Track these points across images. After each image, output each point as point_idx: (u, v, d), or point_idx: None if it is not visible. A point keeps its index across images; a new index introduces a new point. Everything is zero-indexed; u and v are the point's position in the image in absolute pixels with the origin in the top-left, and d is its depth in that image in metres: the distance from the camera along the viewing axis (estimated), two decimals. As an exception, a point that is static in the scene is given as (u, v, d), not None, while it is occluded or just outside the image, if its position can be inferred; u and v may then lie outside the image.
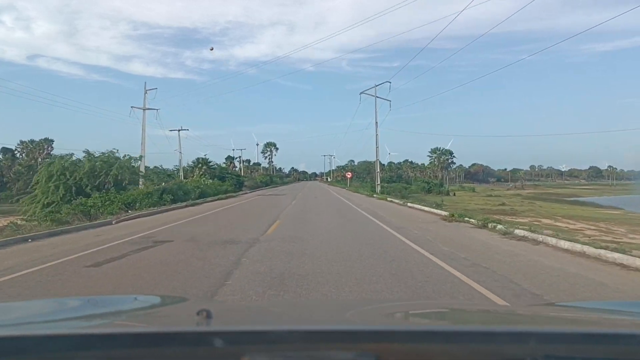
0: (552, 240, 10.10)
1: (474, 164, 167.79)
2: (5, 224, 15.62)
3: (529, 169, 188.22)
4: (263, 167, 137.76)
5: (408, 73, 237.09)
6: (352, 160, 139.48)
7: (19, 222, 17.04)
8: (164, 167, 52.14)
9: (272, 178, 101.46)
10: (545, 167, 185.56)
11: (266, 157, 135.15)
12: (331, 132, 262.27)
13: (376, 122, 35.41)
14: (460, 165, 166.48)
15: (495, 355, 1.13)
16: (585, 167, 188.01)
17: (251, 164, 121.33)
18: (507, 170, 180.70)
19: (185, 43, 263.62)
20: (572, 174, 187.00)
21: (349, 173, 70.99)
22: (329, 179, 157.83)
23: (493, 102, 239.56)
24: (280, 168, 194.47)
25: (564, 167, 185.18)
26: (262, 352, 1.08)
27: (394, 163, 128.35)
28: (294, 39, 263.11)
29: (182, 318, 1.73)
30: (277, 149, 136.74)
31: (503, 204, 30.53)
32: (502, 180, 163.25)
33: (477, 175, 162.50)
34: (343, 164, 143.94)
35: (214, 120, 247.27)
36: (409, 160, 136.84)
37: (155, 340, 1.14)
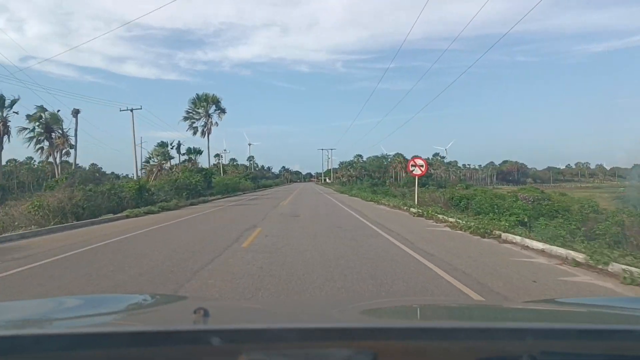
0: None
1: (505, 161, 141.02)
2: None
3: (564, 167, 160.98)
4: (236, 164, 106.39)
5: (404, 74, 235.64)
6: (360, 155, 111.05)
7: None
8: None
9: (211, 176, 43.88)
10: (593, 165, 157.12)
11: (195, 128, 54.85)
12: (328, 132, 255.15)
13: None
14: (491, 162, 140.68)
15: (493, 352, 1.12)
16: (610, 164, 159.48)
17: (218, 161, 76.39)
18: (540, 169, 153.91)
19: (178, 44, 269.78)
20: (616, 173, 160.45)
21: (421, 161, 22.13)
22: (328, 180, 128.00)
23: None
24: (269, 167, 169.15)
25: (595, 165, 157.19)
26: (259, 350, 1.07)
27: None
28: (288, 40, 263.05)
29: (179, 317, 1.71)
30: (223, 111, 55.61)
31: None
32: (539, 180, 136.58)
33: (511, 174, 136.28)
34: (347, 159, 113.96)
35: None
36: (439, 154, 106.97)
37: (153, 339, 1.13)
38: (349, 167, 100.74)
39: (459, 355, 1.12)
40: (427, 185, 78.53)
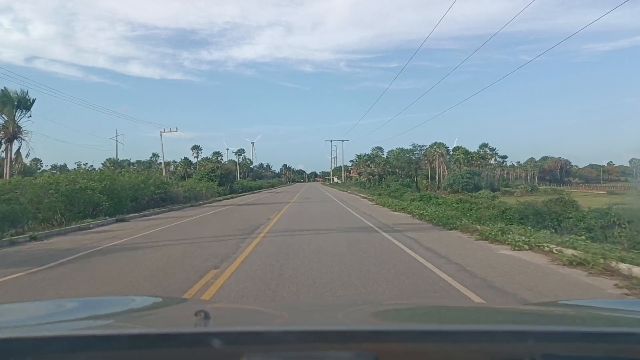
0: None
1: (546, 158, 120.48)
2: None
3: (605, 165, 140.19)
4: (220, 159, 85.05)
5: (406, 74, 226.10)
6: (380, 148, 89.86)
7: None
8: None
9: None
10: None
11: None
12: (332, 133, 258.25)
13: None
14: (532, 158, 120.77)
15: (494, 355, 1.12)
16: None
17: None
18: (580, 166, 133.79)
19: (183, 44, 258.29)
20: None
21: None
22: (337, 180, 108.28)
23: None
24: (268, 165, 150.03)
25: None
26: (260, 352, 1.07)
27: (463, 149, 79.72)
28: (292, 40, 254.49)
29: (180, 319, 1.72)
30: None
31: None
32: (584, 181, 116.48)
33: (553, 173, 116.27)
34: (354, 157, 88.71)
35: (211, 122, 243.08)
36: (488, 146, 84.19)
37: (154, 342, 1.13)
38: (368, 161, 76.60)
39: (461, 358, 1.12)
40: (480, 188, 59.52)
